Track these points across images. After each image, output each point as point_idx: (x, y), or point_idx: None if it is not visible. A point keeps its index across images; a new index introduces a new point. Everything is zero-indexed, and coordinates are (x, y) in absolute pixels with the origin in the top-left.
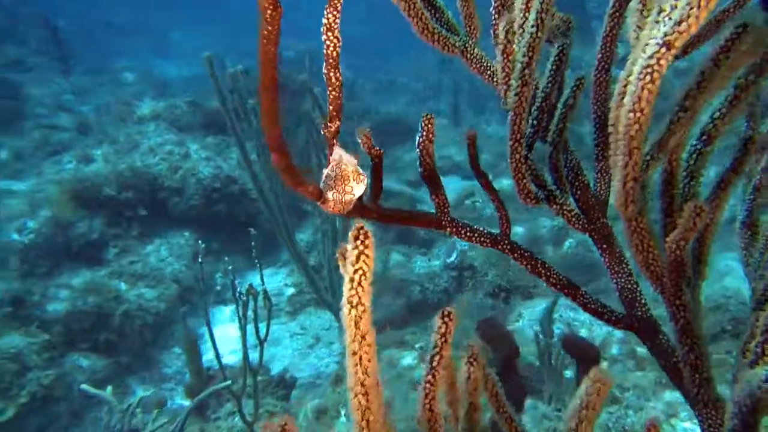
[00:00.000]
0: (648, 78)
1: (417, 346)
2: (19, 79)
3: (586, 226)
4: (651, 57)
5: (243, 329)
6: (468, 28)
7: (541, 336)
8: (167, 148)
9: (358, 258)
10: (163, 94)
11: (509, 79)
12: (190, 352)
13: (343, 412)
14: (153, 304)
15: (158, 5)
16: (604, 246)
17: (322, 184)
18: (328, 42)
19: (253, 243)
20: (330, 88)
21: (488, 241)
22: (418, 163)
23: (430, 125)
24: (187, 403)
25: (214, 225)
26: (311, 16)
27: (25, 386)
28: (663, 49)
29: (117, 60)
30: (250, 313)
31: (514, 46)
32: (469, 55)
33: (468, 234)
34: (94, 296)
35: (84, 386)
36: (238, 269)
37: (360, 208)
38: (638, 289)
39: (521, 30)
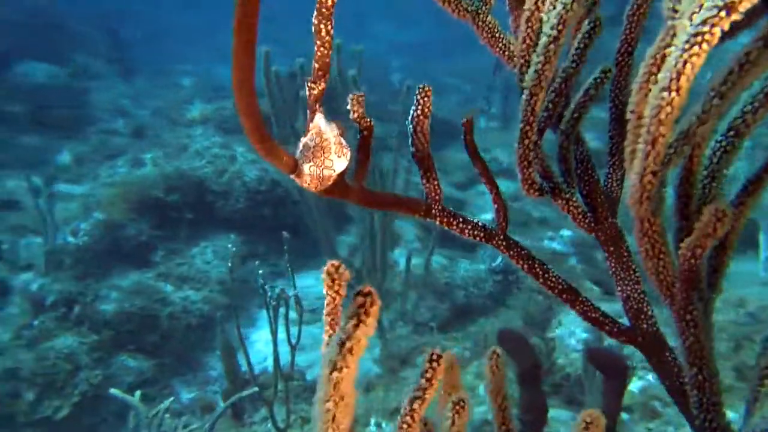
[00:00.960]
0: (695, 49)
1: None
2: (84, 86)
3: (593, 225)
4: (704, 22)
5: (273, 334)
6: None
7: (582, 345)
8: (214, 151)
9: (355, 327)
10: (217, 97)
11: (529, 54)
12: (225, 357)
13: (373, 421)
14: (198, 306)
15: (217, 8)
16: (611, 249)
17: (298, 155)
18: None
19: (285, 247)
20: (319, 43)
21: (482, 234)
22: (409, 141)
23: (426, 98)
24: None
25: (259, 228)
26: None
27: (78, 385)
28: (722, 13)
29: (177, 64)
30: (291, 316)
31: (542, 14)
32: (480, 23)
33: (460, 225)
34: (141, 298)
35: (113, 390)
36: (283, 272)
37: (341, 189)
38: (645, 299)
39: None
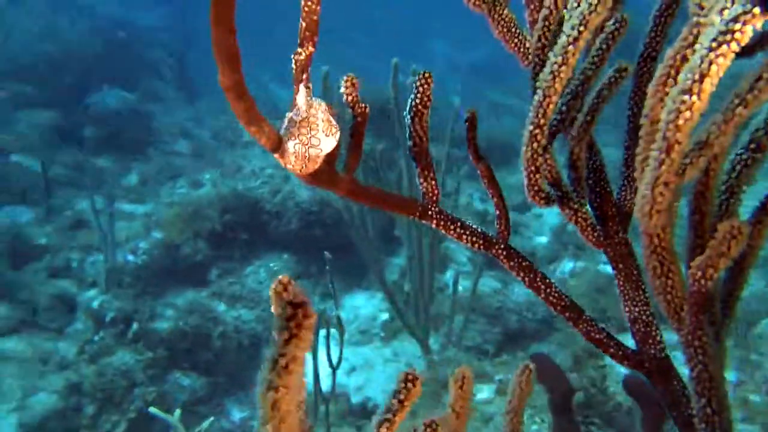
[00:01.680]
0: (723, 48)
1: (497, 378)
2: (151, 109)
3: (601, 239)
4: (735, 19)
5: (314, 355)
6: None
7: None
8: (268, 172)
9: (287, 342)
10: (274, 118)
11: (545, 52)
12: None
13: None
14: (250, 326)
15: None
16: (620, 266)
17: (282, 131)
18: None
19: (327, 267)
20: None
21: (481, 242)
22: (407, 135)
23: (426, 86)
24: None
25: (311, 248)
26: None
27: (134, 401)
28: (756, 9)
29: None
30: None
31: (563, 12)
32: (496, 15)
33: (458, 231)
34: (195, 316)
35: (152, 409)
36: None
37: (329, 177)
38: (654, 322)
39: None
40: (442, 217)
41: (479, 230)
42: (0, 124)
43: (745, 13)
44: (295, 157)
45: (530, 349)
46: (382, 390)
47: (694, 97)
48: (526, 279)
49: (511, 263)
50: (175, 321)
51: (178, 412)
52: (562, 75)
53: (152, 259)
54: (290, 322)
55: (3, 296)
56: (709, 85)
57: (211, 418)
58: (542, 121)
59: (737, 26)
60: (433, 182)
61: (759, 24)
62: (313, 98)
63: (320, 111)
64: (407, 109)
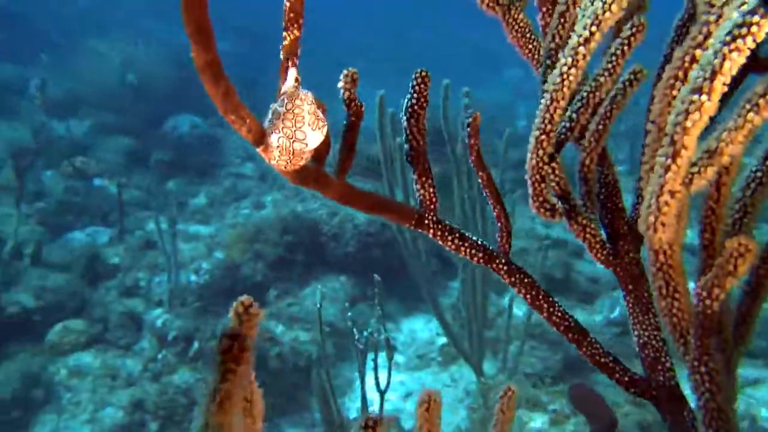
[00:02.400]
0: (738, 43)
1: (551, 408)
2: (221, 133)
3: (611, 258)
4: (752, 12)
5: (361, 379)
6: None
7: None
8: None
9: (224, 378)
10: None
11: (556, 54)
12: (321, 401)
13: None
14: (306, 347)
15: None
16: (630, 287)
17: (266, 123)
18: None
19: (377, 290)
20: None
21: (481, 255)
22: (404, 138)
23: (422, 85)
24: None
25: (369, 270)
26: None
27: (193, 421)
28: None
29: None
30: (398, 360)
31: (577, 10)
32: (511, 20)
33: (456, 242)
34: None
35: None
36: (392, 315)
37: (317, 178)
38: (664, 348)
39: None
40: (439, 227)
41: (479, 242)
42: (85, 149)
43: (763, 5)
44: (279, 151)
45: (594, 378)
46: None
47: (704, 97)
48: (528, 296)
49: (512, 279)
50: None
51: None
52: (571, 78)
53: (214, 279)
54: (226, 355)
55: (80, 312)
56: (720, 84)
57: None
58: (548, 128)
59: (755, 19)
60: (431, 189)
61: None
62: (301, 90)
63: (306, 103)
64: (403, 109)
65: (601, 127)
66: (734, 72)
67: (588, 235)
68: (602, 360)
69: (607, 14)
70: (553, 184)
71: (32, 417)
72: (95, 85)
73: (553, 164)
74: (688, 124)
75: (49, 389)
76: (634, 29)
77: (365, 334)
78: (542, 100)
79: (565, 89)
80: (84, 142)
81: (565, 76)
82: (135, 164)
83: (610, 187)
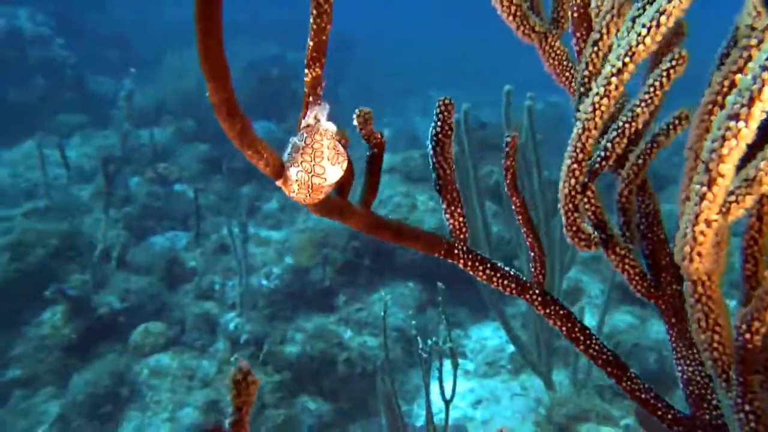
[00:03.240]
0: None
1: (623, 423)
2: None
3: (652, 291)
4: None
5: (426, 389)
6: (555, 14)
7: None
8: (395, 200)
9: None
10: (409, 147)
11: (590, 82)
12: (386, 409)
13: None
14: (374, 353)
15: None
16: (673, 321)
17: (285, 156)
18: None
19: (440, 298)
20: (315, 13)
21: (513, 286)
22: (430, 166)
23: (447, 112)
24: None
25: (437, 276)
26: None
27: (264, 422)
28: None
29: (381, 117)
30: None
31: (612, 39)
32: (547, 47)
33: (488, 272)
34: (322, 341)
35: None
36: (461, 322)
37: (341, 208)
38: (711, 384)
39: (630, 24)
40: (470, 256)
41: (512, 273)
42: (167, 155)
43: None
44: (299, 185)
45: (673, 396)
46: (511, 425)
47: (741, 123)
48: (564, 329)
49: (547, 311)
50: (303, 345)
51: None
52: (602, 108)
53: (284, 284)
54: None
55: (160, 314)
56: (758, 110)
57: None
58: (580, 157)
59: None
60: (461, 219)
61: None
62: (322, 123)
63: (326, 137)
64: (429, 138)
65: (641, 161)
66: None
67: (627, 266)
68: (643, 396)
69: (641, 47)
70: (588, 213)
71: (119, 413)
72: (177, 95)
73: (588, 193)
74: (724, 151)
75: (133, 387)
76: (674, 62)
77: (429, 343)
78: (574, 129)
79: (597, 119)
80: (166, 149)
81: (597, 105)
82: (212, 170)
83: (650, 217)
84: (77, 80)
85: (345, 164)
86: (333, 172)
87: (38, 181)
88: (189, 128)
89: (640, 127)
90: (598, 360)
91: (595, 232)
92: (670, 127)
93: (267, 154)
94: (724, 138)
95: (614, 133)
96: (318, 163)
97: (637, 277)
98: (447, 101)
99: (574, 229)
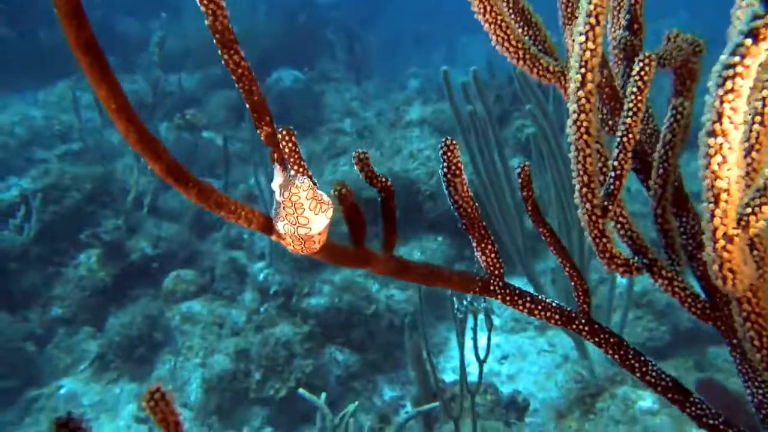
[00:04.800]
0: (727, 85)
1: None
2: (322, 89)
3: (707, 312)
4: (734, 54)
5: (460, 347)
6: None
7: None
8: (426, 154)
9: None
10: (439, 99)
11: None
12: (416, 363)
13: None
14: (401, 306)
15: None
16: (734, 342)
17: (272, 213)
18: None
19: (476, 257)
20: (235, 78)
21: (558, 317)
22: (452, 208)
23: (450, 153)
24: None
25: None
26: None
27: (293, 372)
28: None
29: (407, 68)
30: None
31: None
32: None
33: (528, 305)
34: (349, 294)
35: (300, 390)
36: None
37: (357, 257)
38: None
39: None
40: (507, 291)
41: (554, 304)
42: (195, 103)
43: None
44: (290, 239)
45: (707, 353)
46: (533, 381)
47: (720, 139)
48: (616, 357)
49: (596, 339)
50: (330, 297)
51: (323, 395)
52: (584, 124)
53: None
54: None
55: (191, 263)
56: (728, 125)
57: (356, 403)
58: (585, 179)
59: (735, 60)
60: (493, 255)
61: None
62: (296, 177)
63: (302, 189)
64: (443, 183)
65: (661, 171)
66: (740, 113)
67: (676, 289)
68: (711, 422)
69: (588, 53)
70: (624, 239)
71: (154, 356)
72: (203, 41)
73: (619, 218)
74: (714, 167)
75: (166, 332)
76: (642, 64)
77: (465, 303)
78: (571, 153)
79: (584, 136)
80: (194, 95)
81: (578, 123)
82: (239, 117)
83: (696, 236)
84: (106, 21)
85: (330, 211)
86: (317, 220)
87: (72, 124)
88: (215, 75)
89: (637, 137)
90: (658, 387)
91: (636, 258)
92: (673, 120)
93: (244, 211)
94: (709, 155)
95: (616, 151)
96: (300, 214)
97: (689, 300)
98: (449, 143)
99: (608, 255)
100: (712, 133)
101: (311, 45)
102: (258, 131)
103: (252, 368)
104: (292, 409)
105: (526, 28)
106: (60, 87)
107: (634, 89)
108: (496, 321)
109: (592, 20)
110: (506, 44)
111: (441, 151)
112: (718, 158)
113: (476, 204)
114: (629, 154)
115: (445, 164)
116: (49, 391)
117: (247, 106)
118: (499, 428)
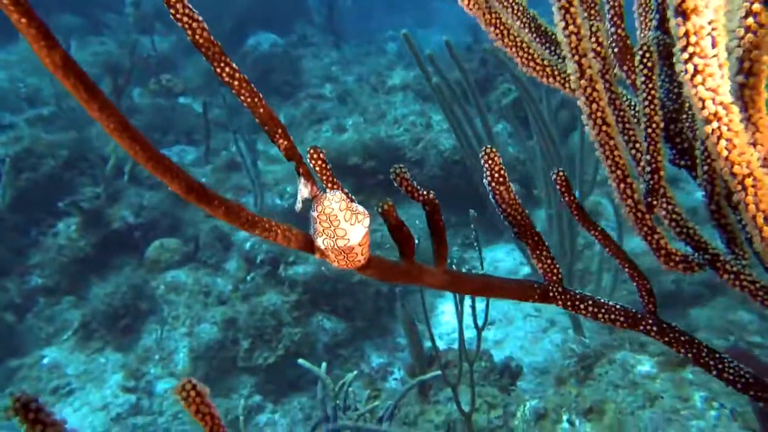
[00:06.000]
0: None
1: (655, 350)
2: (300, 54)
3: None
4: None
5: (459, 315)
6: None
7: None
8: (411, 119)
9: None
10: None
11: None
12: (408, 331)
13: (565, 418)
14: None
15: None
16: None
17: (311, 230)
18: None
19: (473, 226)
20: (234, 92)
21: (622, 319)
22: (501, 217)
23: (491, 161)
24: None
25: (452, 198)
26: None
27: (281, 340)
28: None
29: (383, 32)
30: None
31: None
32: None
33: (591, 309)
34: None
35: (301, 361)
36: (474, 244)
37: (407, 272)
38: None
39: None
40: (568, 297)
41: (618, 306)
42: (170, 68)
43: None
44: (331, 252)
45: (689, 315)
46: (520, 346)
47: (715, 123)
48: (690, 354)
49: (666, 339)
50: (317, 265)
51: (324, 364)
52: (599, 113)
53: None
54: None
55: (174, 231)
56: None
57: (355, 372)
58: (619, 174)
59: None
60: (549, 260)
61: None
62: (328, 192)
63: (333, 202)
64: (486, 189)
65: (707, 166)
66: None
67: (745, 284)
68: None
69: (573, 38)
70: (681, 237)
71: (140, 325)
72: None
73: (672, 214)
74: (723, 151)
75: (151, 302)
76: (643, 51)
77: (463, 270)
78: (597, 150)
79: (603, 128)
80: (169, 59)
81: (593, 117)
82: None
83: None
84: None
85: (366, 220)
86: (354, 231)
87: (38, 87)
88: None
89: (660, 125)
90: (737, 384)
91: (695, 254)
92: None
93: (280, 230)
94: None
95: (646, 143)
96: (337, 226)
97: (760, 293)
98: (488, 150)
99: (663, 253)
100: (705, 120)
101: (289, 9)
102: (275, 144)
103: (240, 337)
104: (281, 377)
105: (549, 46)
106: (23, 45)
107: (643, 76)
108: None
109: (564, 3)
110: (532, 64)
111: (482, 160)
112: (723, 143)
113: (526, 211)
114: (659, 146)
115: (488, 173)
116: (31, 361)
117: (256, 119)
118: (495, 394)
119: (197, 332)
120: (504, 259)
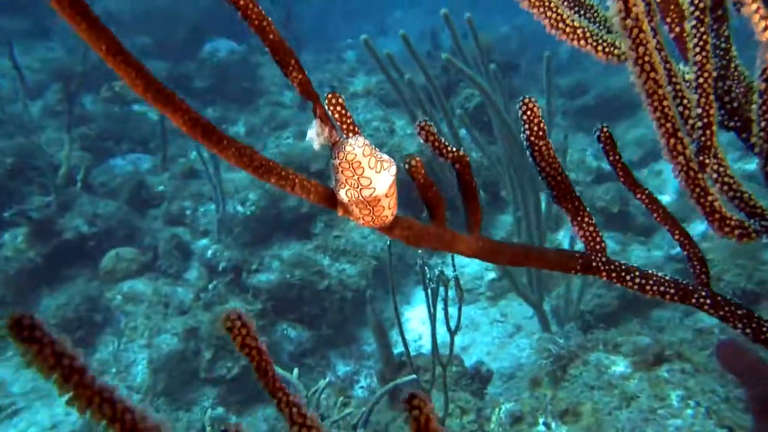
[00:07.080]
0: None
1: (630, 352)
2: (258, 61)
3: None
4: None
5: (432, 319)
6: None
7: None
8: (374, 125)
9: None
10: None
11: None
12: (378, 337)
13: (541, 420)
14: (353, 280)
15: None
16: None
17: (332, 182)
18: None
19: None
20: (240, 15)
21: (673, 292)
22: (540, 176)
23: (531, 112)
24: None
25: (418, 202)
26: None
27: None
28: None
29: (341, 40)
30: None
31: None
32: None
33: (639, 281)
34: (301, 269)
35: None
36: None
37: (439, 237)
38: None
39: None
40: (613, 267)
41: (667, 278)
42: None
43: None
44: (355, 205)
45: (652, 317)
46: (487, 352)
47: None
48: (748, 330)
49: (722, 313)
50: (282, 273)
51: (296, 370)
52: (647, 59)
53: (260, 210)
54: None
55: (131, 240)
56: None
57: (327, 379)
58: (669, 127)
59: None
60: (591, 228)
61: None
62: (350, 137)
63: (356, 146)
64: (524, 146)
65: (764, 123)
66: None
67: None
68: None
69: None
70: (735, 201)
71: (95, 338)
72: (132, 6)
73: (725, 177)
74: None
75: (107, 313)
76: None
77: (436, 272)
78: (646, 102)
79: (651, 74)
80: None
81: (639, 62)
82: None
83: None
84: None
85: (392, 168)
86: (380, 179)
87: None
88: (144, 44)
89: (713, 74)
90: None
91: (752, 220)
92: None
93: (298, 179)
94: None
95: (697, 95)
96: (361, 174)
97: None
98: (526, 100)
99: (717, 217)
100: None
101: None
102: (288, 78)
103: (202, 347)
104: (244, 388)
105: (580, 10)
106: None
107: (693, 21)
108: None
109: None
110: (561, 25)
111: (521, 111)
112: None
113: (566, 173)
114: (711, 98)
115: (526, 126)
116: None
117: (265, 46)
118: (468, 399)
119: (157, 343)
120: (469, 263)
